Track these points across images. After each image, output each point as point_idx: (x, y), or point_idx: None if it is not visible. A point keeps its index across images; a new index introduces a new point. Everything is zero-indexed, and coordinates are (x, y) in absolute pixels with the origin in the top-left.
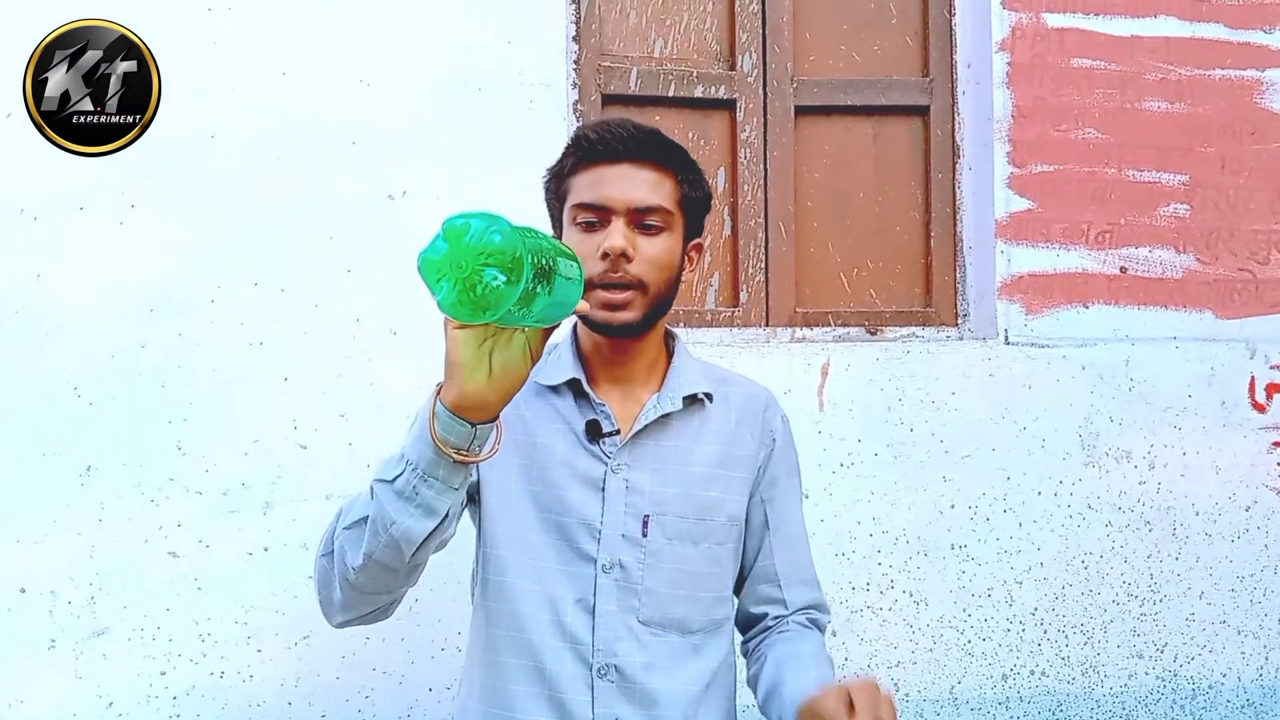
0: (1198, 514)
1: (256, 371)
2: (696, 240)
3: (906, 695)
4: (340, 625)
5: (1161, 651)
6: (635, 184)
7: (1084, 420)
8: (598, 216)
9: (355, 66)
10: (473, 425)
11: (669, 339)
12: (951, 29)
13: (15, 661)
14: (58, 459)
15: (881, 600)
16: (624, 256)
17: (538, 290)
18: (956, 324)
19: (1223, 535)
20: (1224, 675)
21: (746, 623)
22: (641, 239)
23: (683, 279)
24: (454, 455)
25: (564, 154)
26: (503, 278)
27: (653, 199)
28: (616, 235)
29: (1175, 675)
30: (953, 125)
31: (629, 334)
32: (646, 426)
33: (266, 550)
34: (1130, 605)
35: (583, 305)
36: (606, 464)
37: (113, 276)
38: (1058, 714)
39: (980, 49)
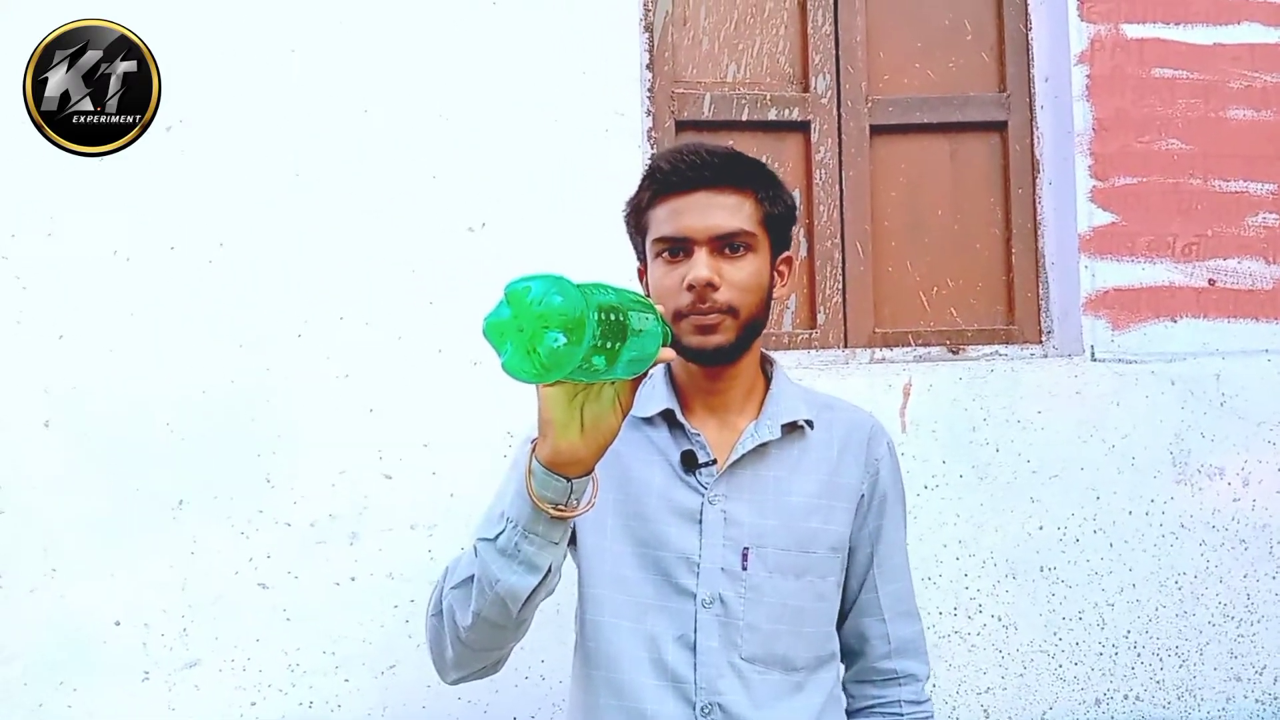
0: None
1: (342, 403)
2: (785, 254)
3: None
4: (454, 682)
5: (1260, 674)
6: (714, 211)
7: (1175, 437)
8: (680, 248)
9: (433, 101)
10: (568, 480)
11: (766, 364)
12: (1028, 43)
13: (110, 693)
14: (150, 493)
15: (969, 625)
16: (710, 286)
17: (609, 347)
18: (1040, 341)
19: None
20: None
21: (847, 656)
22: (726, 265)
23: (775, 296)
24: (551, 511)
25: (640, 187)
26: (564, 339)
27: (733, 223)
28: (700, 266)
29: (1275, 698)
30: (1031, 140)
31: (723, 359)
32: (744, 456)
33: (354, 580)
34: (1227, 626)
35: (667, 353)
36: (703, 495)
37: (202, 313)
38: None
39: (1058, 62)
